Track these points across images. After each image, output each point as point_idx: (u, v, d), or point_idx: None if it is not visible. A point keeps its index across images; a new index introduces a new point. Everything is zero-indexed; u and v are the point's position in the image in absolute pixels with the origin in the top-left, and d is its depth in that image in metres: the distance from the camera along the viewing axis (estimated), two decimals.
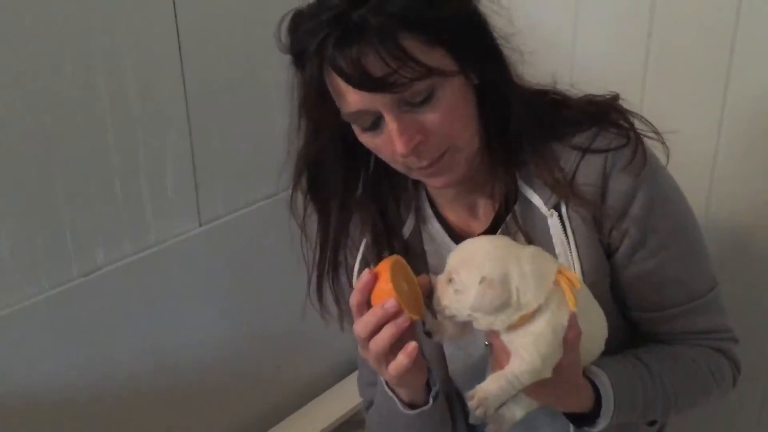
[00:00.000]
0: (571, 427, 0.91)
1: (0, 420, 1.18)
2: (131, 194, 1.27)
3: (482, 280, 0.74)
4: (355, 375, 1.14)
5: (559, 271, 0.76)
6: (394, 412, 0.91)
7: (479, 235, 0.92)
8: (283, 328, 1.54)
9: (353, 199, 0.94)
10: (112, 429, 1.32)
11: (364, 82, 0.75)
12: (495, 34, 0.84)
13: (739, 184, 1.33)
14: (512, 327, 0.75)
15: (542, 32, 1.33)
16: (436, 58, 0.77)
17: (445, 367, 0.98)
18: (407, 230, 0.96)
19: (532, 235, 0.89)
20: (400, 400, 0.90)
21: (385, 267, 0.79)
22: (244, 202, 1.46)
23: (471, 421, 0.83)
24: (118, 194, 1.26)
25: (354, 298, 0.80)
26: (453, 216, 0.96)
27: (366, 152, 0.88)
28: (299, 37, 0.79)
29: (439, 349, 0.97)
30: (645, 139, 0.89)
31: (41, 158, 1.16)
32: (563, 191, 0.86)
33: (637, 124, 0.89)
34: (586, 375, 0.85)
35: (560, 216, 0.87)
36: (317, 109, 0.84)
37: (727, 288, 0.95)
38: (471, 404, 0.75)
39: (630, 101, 0.92)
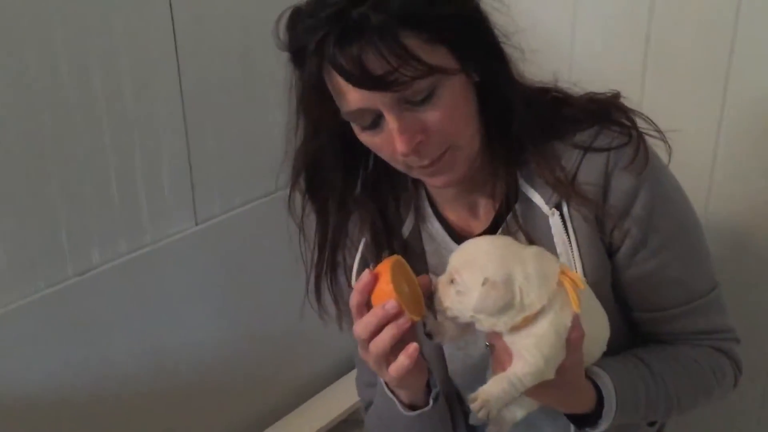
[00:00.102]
0: (572, 428, 0.90)
1: None
2: (127, 193, 1.26)
3: (485, 281, 0.73)
4: (352, 374, 1.14)
5: (563, 272, 0.75)
6: (393, 413, 0.90)
7: (479, 234, 0.92)
8: (280, 327, 1.54)
9: (352, 198, 0.93)
10: (108, 429, 1.31)
11: (364, 80, 0.75)
12: (496, 32, 0.83)
13: (739, 183, 1.33)
14: (515, 328, 0.74)
15: (541, 31, 1.32)
16: (438, 56, 0.77)
17: (445, 367, 0.98)
18: (407, 230, 0.95)
19: (533, 234, 0.88)
20: (400, 401, 0.90)
21: (385, 267, 0.78)
22: (240, 201, 1.45)
23: (471, 422, 0.82)
24: (113, 193, 1.25)
25: (354, 299, 0.79)
26: (453, 215, 0.95)
27: (365, 151, 0.87)
28: (298, 35, 0.79)
29: (439, 349, 0.97)
30: (647, 138, 0.88)
31: (37, 157, 1.15)
32: (565, 190, 0.85)
33: (639, 123, 0.89)
34: (588, 376, 0.84)
35: (561, 215, 0.86)
36: (316, 107, 0.83)
37: (726, 287, 0.95)
38: (473, 406, 0.74)
39: (629, 101, 0.91)
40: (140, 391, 1.34)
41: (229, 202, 1.43)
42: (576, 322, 0.75)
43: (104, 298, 1.26)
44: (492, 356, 0.83)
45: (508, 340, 0.76)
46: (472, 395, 0.75)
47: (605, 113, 0.88)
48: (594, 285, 0.84)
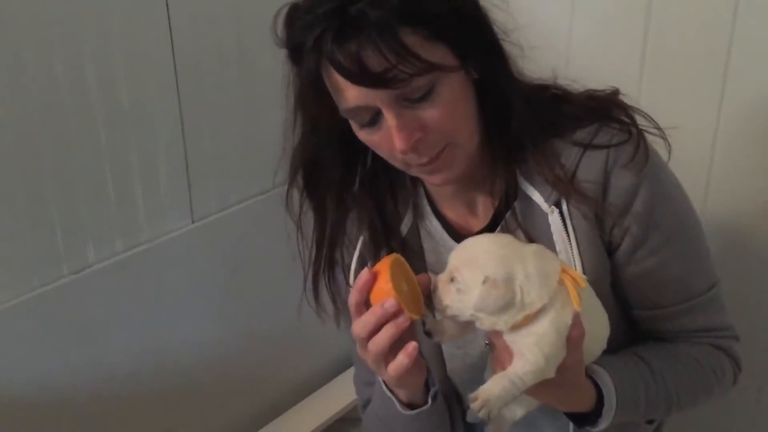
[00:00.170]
0: (572, 427, 0.90)
1: None
2: (123, 190, 1.26)
3: (486, 279, 0.73)
4: (349, 372, 1.14)
5: (563, 270, 0.75)
6: (392, 412, 0.90)
7: (478, 232, 0.91)
8: (277, 325, 1.53)
9: (350, 196, 0.93)
10: (104, 428, 1.31)
11: (363, 77, 0.74)
12: (495, 29, 0.82)
13: (736, 181, 1.33)
14: (515, 327, 0.74)
15: (538, 28, 1.32)
16: (437, 53, 0.76)
17: (444, 366, 0.97)
18: (405, 227, 0.95)
19: (532, 232, 0.88)
20: (399, 400, 0.89)
21: (384, 266, 0.78)
22: (237, 199, 1.45)
23: (469, 420, 0.81)
24: (109, 190, 1.24)
25: (353, 298, 0.79)
26: (451, 213, 0.95)
27: (363, 148, 0.87)
28: (296, 32, 0.78)
29: (438, 348, 0.96)
30: (646, 135, 0.88)
31: (31, 154, 1.14)
32: (564, 188, 0.85)
33: (639, 120, 0.88)
34: (588, 374, 0.84)
35: (561, 213, 0.86)
36: (314, 104, 0.82)
37: (724, 285, 0.95)
38: (474, 406, 0.74)
39: (627, 98, 0.91)
40: (137, 390, 1.34)
41: (226, 199, 1.43)
42: (576, 320, 0.75)
43: (100, 296, 1.26)
44: (491, 355, 0.83)
45: (509, 338, 0.75)
46: (472, 395, 0.75)
47: (605, 110, 0.88)
48: (593, 283, 0.83)
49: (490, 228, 0.91)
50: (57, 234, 1.19)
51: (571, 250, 0.86)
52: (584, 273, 0.85)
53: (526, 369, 0.73)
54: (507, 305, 0.73)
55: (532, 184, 0.87)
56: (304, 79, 0.80)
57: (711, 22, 1.27)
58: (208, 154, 1.37)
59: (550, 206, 0.86)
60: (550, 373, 0.75)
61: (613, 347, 0.87)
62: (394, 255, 0.80)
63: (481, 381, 0.82)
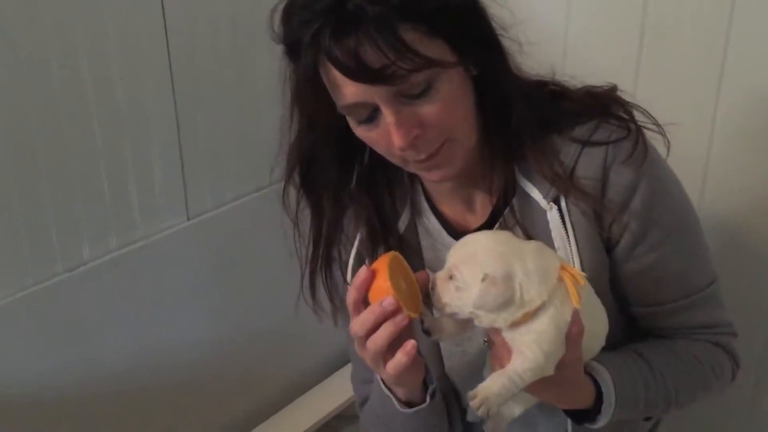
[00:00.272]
0: (569, 424, 0.90)
1: None
2: (118, 188, 1.25)
3: (485, 277, 0.72)
4: (346, 369, 1.13)
5: (563, 267, 0.75)
6: (390, 410, 0.90)
7: (476, 229, 0.91)
8: (273, 322, 1.53)
9: (347, 193, 0.93)
10: (99, 426, 1.30)
11: (361, 73, 0.73)
12: (494, 25, 0.82)
13: (733, 177, 1.33)
14: (515, 324, 0.73)
15: (536, 24, 1.32)
16: (435, 49, 0.75)
17: (442, 364, 0.97)
18: (402, 224, 0.95)
19: (531, 229, 0.88)
20: (397, 398, 0.89)
21: (382, 264, 0.77)
22: (232, 196, 1.44)
23: (469, 419, 0.81)
24: (104, 188, 1.23)
25: (351, 296, 0.78)
26: (449, 210, 0.94)
27: (360, 145, 0.86)
28: (293, 27, 0.77)
29: (436, 346, 0.96)
30: (645, 132, 0.87)
31: (26, 152, 1.14)
32: (563, 185, 0.85)
33: (637, 116, 0.88)
34: (587, 371, 0.84)
35: (560, 210, 0.86)
36: (311, 101, 0.82)
37: (720, 281, 0.95)
38: (473, 404, 0.73)
39: (624, 94, 0.91)
40: (132, 388, 1.33)
41: (221, 197, 1.42)
42: (576, 317, 0.75)
43: (95, 294, 1.25)
44: (490, 352, 0.83)
45: (508, 336, 0.75)
46: (471, 392, 0.74)
47: (603, 107, 0.88)
48: (592, 280, 0.83)
49: (488, 225, 0.91)
50: (52, 231, 1.19)
51: (570, 247, 0.86)
52: (583, 270, 0.85)
53: (525, 366, 0.73)
54: (506, 303, 0.72)
55: (531, 180, 0.87)
56: (301, 75, 0.79)
57: (708, 18, 1.27)
58: (203, 151, 1.36)
59: (548, 203, 0.86)
60: (550, 371, 0.75)
61: (612, 344, 0.87)
62: (393, 253, 0.80)
63: (479, 379, 0.82)
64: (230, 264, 1.46)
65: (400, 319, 0.75)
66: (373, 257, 0.92)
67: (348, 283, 0.93)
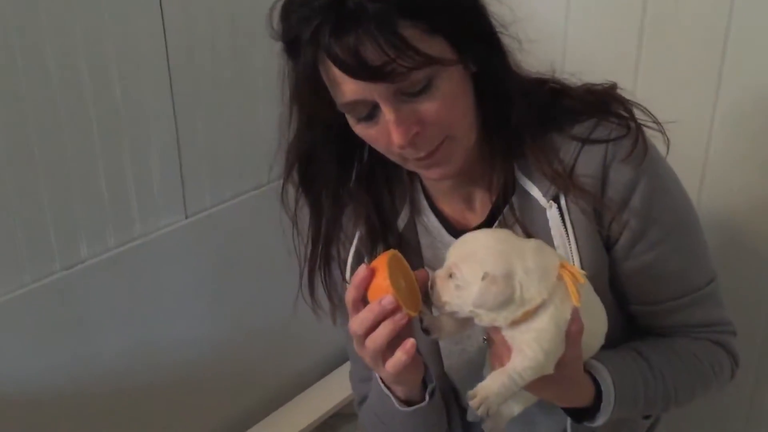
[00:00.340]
0: (569, 422, 0.90)
1: None
2: (116, 185, 1.25)
3: (485, 275, 0.72)
4: (345, 367, 1.13)
5: (562, 266, 0.74)
6: (389, 409, 0.89)
7: (476, 227, 0.90)
8: (271, 320, 1.53)
9: (346, 191, 0.92)
10: (97, 424, 1.30)
11: (361, 71, 0.73)
12: (493, 22, 0.81)
13: (732, 176, 1.33)
14: (515, 323, 0.73)
15: (535, 22, 1.32)
16: (436, 46, 0.75)
17: (441, 363, 0.97)
18: (402, 222, 0.94)
19: (530, 227, 0.88)
20: (396, 397, 0.89)
21: (382, 262, 0.77)
22: (231, 194, 1.44)
23: (469, 418, 0.81)
24: (102, 185, 1.23)
25: (350, 295, 0.78)
26: (448, 208, 0.94)
27: (360, 143, 0.86)
28: (292, 25, 0.77)
29: (435, 344, 0.96)
30: (645, 130, 0.87)
31: (24, 149, 1.13)
32: (562, 183, 0.84)
33: (637, 114, 0.88)
34: (586, 369, 0.83)
35: (559, 208, 0.85)
36: (310, 99, 0.81)
37: (720, 279, 0.95)
38: (473, 403, 0.73)
39: (624, 92, 0.90)
40: (130, 386, 1.33)
41: (220, 195, 1.42)
42: (575, 315, 0.74)
43: (92, 292, 1.25)
44: (490, 351, 0.83)
45: (507, 334, 0.75)
46: (471, 392, 0.74)
47: (603, 104, 0.87)
48: (591, 278, 0.83)
49: (487, 223, 0.90)
50: (50, 229, 1.18)
51: (569, 245, 0.86)
52: (582, 268, 0.85)
53: (525, 365, 0.73)
54: (506, 301, 0.72)
55: (531, 178, 0.87)
56: (301, 72, 0.79)
57: (707, 17, 1.26)
58: (201, 149, 1.36)
59: (548, 201, 0.86)
60: (549, 369, 0.74)
61: (611, 343, 0.87)
62: (392, 251, 0.79)
63: (478, 377, 0.81)
64: (228, 262, 1.45)
65: (400, 318, 0.75)
66: (372, 255, 0.92)
67: (347, 282, 0.93)
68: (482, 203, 0.92)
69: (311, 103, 0.82)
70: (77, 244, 1.22)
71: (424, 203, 0.95)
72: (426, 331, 0.81)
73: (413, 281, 0.79)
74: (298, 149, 0.89)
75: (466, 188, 0.92)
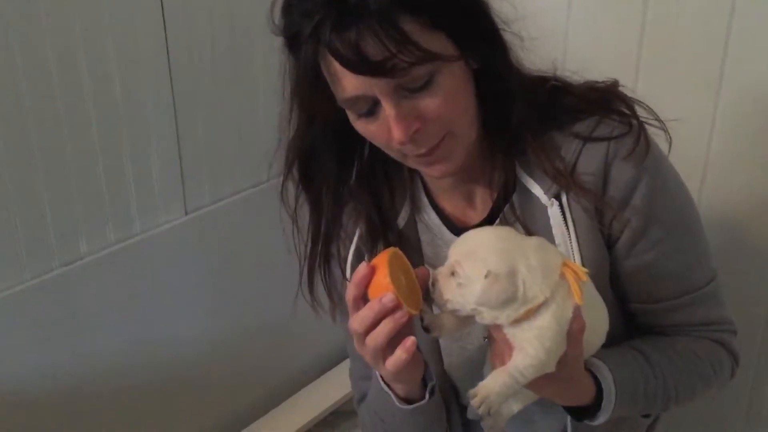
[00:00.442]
0: (569, 420, 0.90)
1: None
2: (115, 182, 1.24)
3: (488, 273, 0.72)
4: (344, 365, 1.13)
5: (565, 264, 0.74)
6: (389, 406, 0.89)
7: (477, 225, 0.90)
8: (271, 317, 1.53)
9: (347, 188, 0.92)
10: (95, 420, 1.30)
11: (362, 66, 0.73)
12: (496, 19, 0.81)
13: (733, 174, 1.33)
14: (516, 321, 0.73)
15: (537, 19, 1.31)
16: (437, 42, 0.75)
17: (441, 360, 0.96)
18: (402, 220, 0.94)
19: (531, 225, 0.87)
20: (396, 395, 0.88)
21: (382, 260, 0.76)
22: (230, 191, 1.43)
23: (469, 416, 0.81)
24: (101, 182, 1.23)
25: (350, 292, 0.78)
26: (449, 205, 0.94)
27: (360, 140, 0.86)
28: (293, 20, 0.76)
29: (435, 342, 0.96)
30: (647, 128, 0.87)
31: (23, 146, 1.13)
32: (564, 181, 0.84)
33: (639, 112, 0.87)
34: (587, 368, 0.83)
35: (561, 206, 0.85)
36: (311, 94, 0.81)
37: (720, 278, 0.94)
38: (474, 402, 0.73)
39: (625, 89, 0.90)
40: (128, 383, 1.33)
41: (219, 191, 1.42)
42: (577, 313, 0.74)
43: (91, 289, 1.25)
44: (490, 349, 0.82)
45: (509, 332, 0.75)
46: (472, 391, 0.74)
47: (605, 102, 0.87)
48: (593, 276, 0.82)
49: (488, 221, 0.90)
50: (49, 226, 1.18)
51: (571, 243, 0.85)
52: (584, 266, 0.84)
53: (527, 363, 0.73)
54: (509, 299, 0.72)
55: (532, 176, 0.86)
56: (302, 68, 0.78)
57: (708, 14, 1.26)
58: (201, 146, 1.35)
59: (549, 199, 0.85)
60: (551, 367, 0.74)
61: (612, 340, 0.86)
62: (393, 249, 0.79)
63: (478, 375, 0.81)
64: (228, 259, 1.45)
65: (400, 316, 0.75)
66: (373, 253, 0.91)
67: (347, 279, 0.93)
68: (483, 201, 0.92)
69: (312, 99, 0.81)
70: (77, 241, 1.22)
71: (425, 200, 0.94)
72: (426, 330, 0.80)
73: (414, 279, 0.79)
74: (298, 146, 0.88)
75: (467, 185, 0.91)
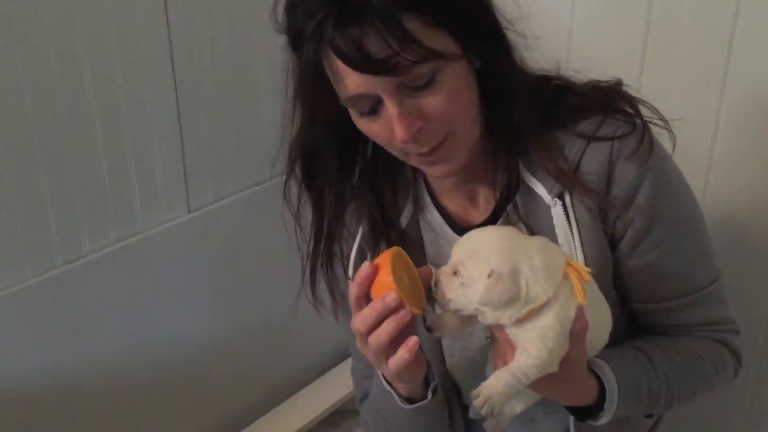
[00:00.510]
0: (572, 420, 0.89)
1: None
2: (118, 180, 1.24)
3: (491, 273, 0.72)
4: (346, 363, 1.13)
5: (568, 264, 0.74)
6: (391, 406, 0.89)
7: (480, 224, 0.90)
8: (273, 316, 1.52)
9: (349, 187, 0.92)
10: (97, 419, 1.30)
11: (364, 64, 0.72)
12: (499, 18, 0.81)
13: (737, 173, 1.32)
14: (519, 321, 0.73)
15: (541, 18, 1.31)
16: (440, 40, 0.75)
17: (443, 360, 0.96)
18: (405, 219, 0.94)
19: (534, 225, 0.87)
20: (398, 394, 0.88)
21: (385, 259, 0.76)
22: (233, 189, 1.43)
23: (471, 416, 0.81)
24: (104, 180, 1.23)
25: (353, 292, 0.77)
26: (452, 205, 0.93)
27: (363, 139, 0.86)
28: (296, 18, 0.76)
29: (437, 342, 0.95)
30: (650, 127, 0.86)
31: (26, 143, 1.13)
32: (567, 181, 0.84)
33: (643, 111, 0.87)
34: (590, 368, 0.83)
35: (564, 205, 0.85)
36: (314, 93, 0.81)
37: (723, 278, 0.94)
38: (476, 402, 0.73)
39: (629, 89, 0.90)
40: (130, 382, 1.33)
41: (222, 190, 1.41)
42: (580, 313, 0.74)
43: (94, 287, 1.25)
44: (493, 349, 0.82)
45: (512, 332, 0.75)
46: (475, 391, 0.74)
47: (609, 101, 0.87)
48: (595, 276, 0.82)
49: (491, 220, 0.90)
50: (52, 224, 1.18)
51: (574, 243, 0.85)
52: (587, 266, 0.84)
53: (530, 363, 0.73)
54: (512, 299, 0.72)
55: (535, 176, 0.86)
56: (304, 66, 0.78)
57: (713, 14, 1.26)
58: (204, 144, 1.35)
59: (553, 199, 0.85)
60: (554, 367, 0.74)
61: (614, 340, 0.86)
62: (395, 248, 0.79)
63: (481, 375, 0.81)
64: (231, 258, 1.45)
65: (403, 315, 0.74)
66: (375, 252, 0.91)
67: (350, 279, 0.93)
68: (486, 200, 0.91)
69: (314, 97, 0.81)
70: (79, 239, 1.22)
71: (428, 200, 0.94)
72: (429, 329, 0.80)
73: (416, 278, 0.79)
74: (301, 145, 0.88)
75: (469, 185, 0.91)
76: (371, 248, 0.92)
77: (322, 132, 0.87)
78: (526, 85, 0.84)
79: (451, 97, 0.78)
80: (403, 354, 0.75)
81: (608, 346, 0.85)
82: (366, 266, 0.77)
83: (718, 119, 1.31)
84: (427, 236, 0.95)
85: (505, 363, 0.76)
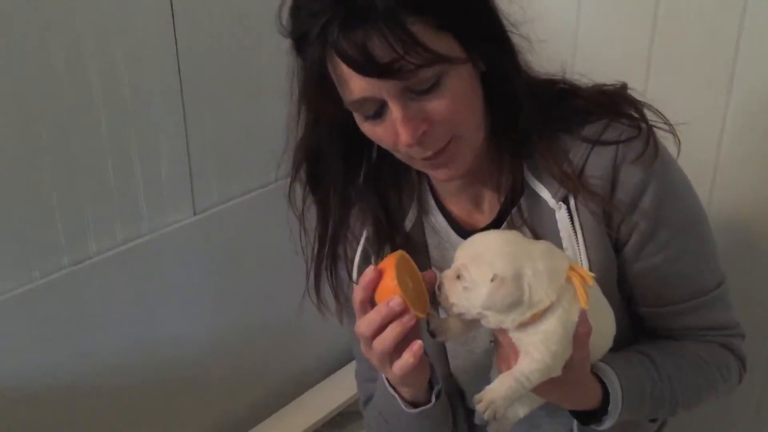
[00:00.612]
0: (575, 425, 0.89)
1: None
2: (124, 181, 1.25)
3: (494, 277, 0.72)
4: (350, 366, 1.13)
5: (572, 268, 0.74)
6: (395, 409, 0.89)
7: (484, 228, 0.90)
8: (277, 318, 1.52)
9: (354, 190, 0.92)
10: (102, 419, 1.30)
11: (369, 67, 0.73)
12: (504, 21, 0.81)
13: (743, 177, 1.32)
14: (522, 325, 0.73)
15: (546, 21, 1.31)
16: (445, 44, 0.75)
17: (447, 364, 0.96)
18: (409, 222, 0.94)
19: (538, 228, 0.87)
20: (402, 398, 0.88)
21: (390, 263, 0.76)
22: (239, 191, 1.43)
23: (476, 421, 0.80)
24: (110, 182, 1.23)
25: (357, 296, 0.77)
26: (456, 208, 0.93)
27: (368, 142, 0.86)
28: (301, 21, 0.76)
29: (441, 346, 0.96)
30: (655, 131, 0.86)
31: (32, 145, 1.13)
32: (572, 185, 0.84)
33: (648, 115, 0.87)
34: (594, 372, 0.83)
35: (568, 209, 0.85)
36: (318, 96, 0.81)
37: (729, 281, 0.94)
38: (480, 407, 0.73)
39: (634, 92, 0.90)
40: (135, 383, 1.33)
41: (228, 191, 1.42)
42: (583, 317, 0.74)
43: (100, 288, 1.25)
44: (496, 353, 0.82)
45: (515, 336, 0.74)
46: (478, 396, 0.73)
47: (614, 105, 0.87)
48: (600, 280, 0.82)
49: (495, 224, 0.90)
50: (58, 225, 1.18)
51: (578, 246, 0.85)
52: (591, 270, 0.84)
53: (533, 367, 0.72)
54: (515, 303, 0.71)
55: (540, 180, 0.86)
56: (309, 69, 0.78)
57: (719, 16, 1.25)
58: (210, 146, 1.36)
59: (557, 203, 0.85)
60: (557, 371, 0.74)
61: (618, 344, 0.86)
62: (400, 252, 0.79)
63: (485, 379, 0.81)
64: (236, 260, 1.45)
65: (407, 320, 0.74)
66: (380, 255, 0.91)
67: (354, 282, 0.93)
68: (490, 204, 0.91)
69: (319, 100, 0.81)
70: (86, 240, 1.22)
71: (432, 203, 0.94)
72: (433, 334, 0.80)
73: (421, 282, 0.79)
74: (306, 148, 0.88)
75: (474, 188, 0.91)
76: (375, 251, 0.92)
77: (326, 135, 0.87)
78: (531, 88, 0.84)
79: (456, 100, 0.78)
80: (407, 358, 0.75)
81: (612, 350, 0.85)
82: (370, 270, 0.77)
83: (725, 120, 1.30)
84: (431, 240, 0.95)
85: (509, 367, 0.75)
